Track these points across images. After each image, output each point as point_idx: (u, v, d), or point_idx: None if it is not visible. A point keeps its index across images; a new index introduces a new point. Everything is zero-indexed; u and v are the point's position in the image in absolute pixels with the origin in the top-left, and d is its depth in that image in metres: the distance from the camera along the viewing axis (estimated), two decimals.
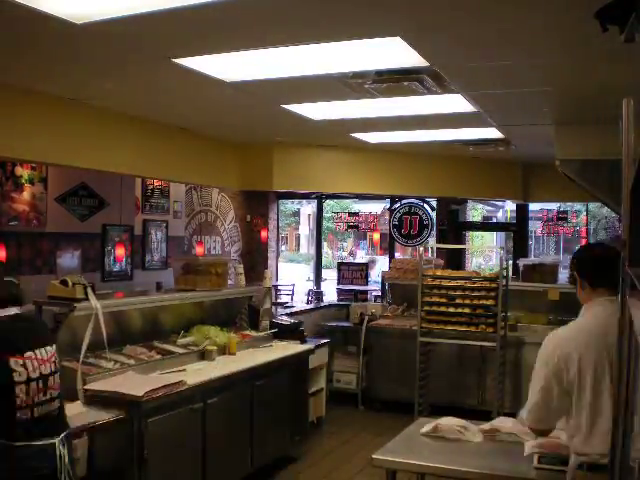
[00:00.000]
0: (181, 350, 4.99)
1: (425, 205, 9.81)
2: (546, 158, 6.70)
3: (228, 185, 8.60)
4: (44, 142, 5.21)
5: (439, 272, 6.74)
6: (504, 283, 6.33)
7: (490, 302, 6.20)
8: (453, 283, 6.46)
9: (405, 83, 4.46)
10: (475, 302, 6.25)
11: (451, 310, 6.38)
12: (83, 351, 4.08)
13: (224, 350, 5.32)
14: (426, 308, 6.47)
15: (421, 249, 7.12)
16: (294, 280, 13.48)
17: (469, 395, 7.08)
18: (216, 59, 4.11)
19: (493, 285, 6.25)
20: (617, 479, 1.76)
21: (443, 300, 6.44)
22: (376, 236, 21.69)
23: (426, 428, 3.45)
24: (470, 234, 13.97)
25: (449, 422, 3.48)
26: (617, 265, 1.85)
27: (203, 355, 5.09)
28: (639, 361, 1.68)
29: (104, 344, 4.35)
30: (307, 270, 19.35)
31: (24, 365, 2.72)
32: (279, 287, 11.42)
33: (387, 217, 10.67)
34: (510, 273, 6.87)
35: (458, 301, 6.36)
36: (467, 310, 6.28)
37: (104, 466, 3.89)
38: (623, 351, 1.70)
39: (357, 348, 7.57)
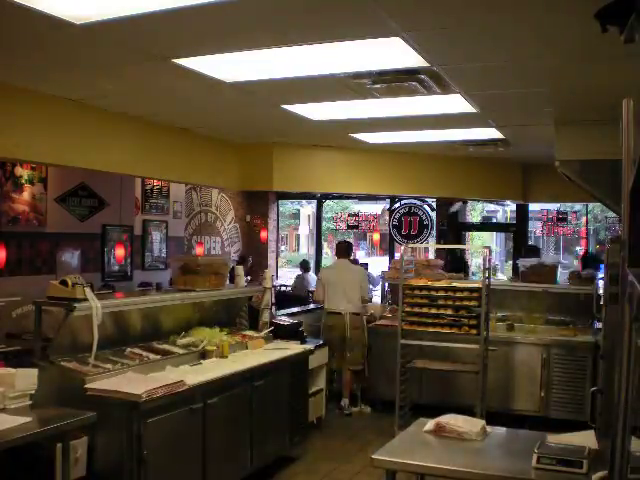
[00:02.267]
0: (180, 350, 4.99)
1: (425, 205, 9.81)
2: (546, 159, 6.70)
3: (228, 185, 8.60)
4: (44, 142, 5.21)
5: (421, 282, 6.47)
6: (486, 292, 5.98)
7: (473, 303, 5.97)
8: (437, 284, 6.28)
9: (405, 83, 4.47)
10: (458, 303, 6.03)
11: (433, 311, 6.17)
12: (94, 350, 4.10)
13: (222, 351, 5.31)
14: (407, 309, 6.29)
15: (402, 248, 6.85)
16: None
17: (461, 395, 7.05)
18: (216, 59, 4.11)
19: (477, 285, 6.04)
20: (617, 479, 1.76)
21: (425, 301, 6.23)
22: (376, 236, 21.67)
23: (428, 426, 3.45)
24: (470, 234, 13.97)
25: (450, 419, 3.47)
26: None
27: (203, 356, 5.08)
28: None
29: (104, 344, 4.35)
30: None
31: None
32: (279, 287, 11.43)
33: (387, 217, 10.68)
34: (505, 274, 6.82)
35: (440, 302, 6.14)
36: (450, 311, 6.07)
37: (104, 466, 3.89)
38: (624, 352, 1.70)
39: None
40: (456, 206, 10.62)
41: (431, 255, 13.25)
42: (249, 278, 7.92)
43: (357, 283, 7.29)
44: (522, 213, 10.51)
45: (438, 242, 10.27)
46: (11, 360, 4.37)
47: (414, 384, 7.04)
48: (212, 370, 4.77)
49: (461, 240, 10.94)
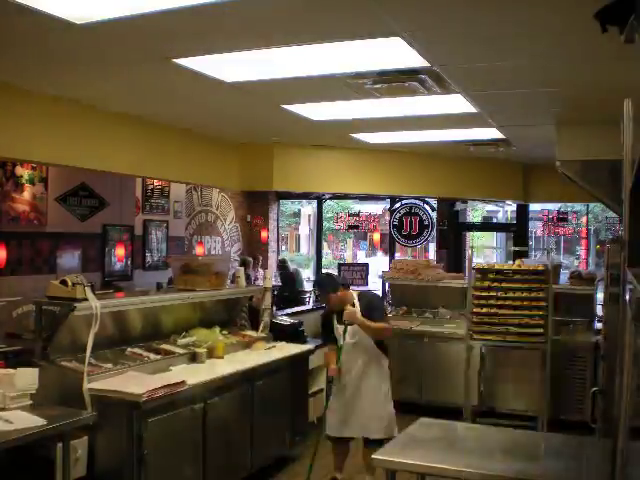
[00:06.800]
0: (181, 350, 4.99)
1: (425, 205, 9.81)
2: (546, 159, 6.70)
3: (228, 185, 8.60)
4: (44, 142, 5.21)
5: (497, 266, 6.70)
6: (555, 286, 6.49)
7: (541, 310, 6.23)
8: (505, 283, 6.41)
9: (405, 83, 4.46)
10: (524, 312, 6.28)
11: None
12: (88, 351, 4.10)
13: (222, 351, 5.31)
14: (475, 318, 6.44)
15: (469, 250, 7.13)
16: None
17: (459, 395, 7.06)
18: (216, 59, 4.11)
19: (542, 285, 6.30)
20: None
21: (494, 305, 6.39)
22: (376, 236, 21.67)
23: None
24: (470, 234, 13.97)
25: None
26: None
27: (204, 356, 5.08)
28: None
29: (104, 344, 4.35)
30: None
31: None
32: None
33: (387, 217, 10.68)
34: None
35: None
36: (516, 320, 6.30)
37: (104, 466, 3.89)
38: (625, 352, 1.69)
39: None
40: (460, 205, 10.62)
41: (431, 255, 13.26)
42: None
43: None
44: (523, 213, 10.50)
45: (438, 242, 10.26)
46: (11, 360, 4.36)
47: (414, 384, 7.05)
48: (212, 370, 4.77)
49: (461, 240, 10.93)
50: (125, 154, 6.09)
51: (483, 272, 6.58)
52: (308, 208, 24.51)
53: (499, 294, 6.38)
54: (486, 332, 6.41)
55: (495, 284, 6.44)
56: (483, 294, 6.46)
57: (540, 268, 6.42)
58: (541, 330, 6.21)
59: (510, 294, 6.34)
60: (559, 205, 11.53)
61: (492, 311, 6.38)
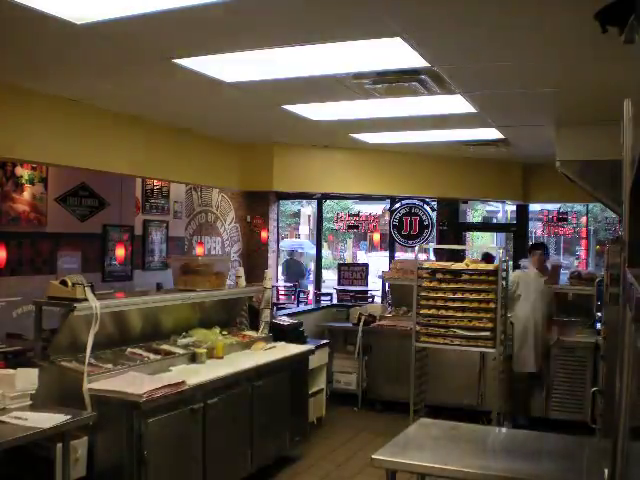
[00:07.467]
0: (181, 351, 4.99)
1: (425, 206, 9.81)
2: (546, 159, 6.70)
3: (228, 185, 8.60)
4: (44, 142, 5.21)
5: (436, 265, 6.46)
6: (503, 284, 6.09)
7: (491, 305, 5.94)
8: (452, 285, 6.17)
9: (405, 84, 4.46)
10: (473, 314, 6.03)
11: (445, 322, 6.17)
12: (88, 351, 4.10)
13: (222, 351, 5.31)
14: (423, 315, 6.25)
15: (416, 248, 6.70)
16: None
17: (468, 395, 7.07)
18: (216, 59, 4.11)
19: (492, 286, 6.00)
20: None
21: (440, 306, 6.20)
22: (376, 237, 21.68)
23: None
24: (470, 235, 13.95)
25: None
26: None
27: (204, 356, 5.08)
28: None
29: (104, 344, 4.35)
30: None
31: None
32: (279, 287, 11.42)
33: (387, 217, 10.67)
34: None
35: (454, 313, 6.12)
36: (464, 322, 6.07)
37: (104, 466, 3.89)
38: (625, 352, 1.69)
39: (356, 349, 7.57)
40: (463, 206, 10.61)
41: (431, 256, 13.23)
42: None
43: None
44: (522, 213, 10.49)
45: (438, 242, 10.25)
46: (11, 360, 4.36)
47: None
48: (212, 370, 4.77)
49: (461, 240, 10.92)
50: (125, 154, 6.09)
51: (431, 272, 6.29)
52: (308, 208, 24.52)
53: (447, 294, 6.13)
54: (432, 334, 6.21)
55: (443, 284, 6.18)
56: (431, 294, 6.21)
57: (490, 268, 6.15)
58: (488, 333, 5.95)
59: (459, 295, 6.08)
60: (559, 205, 11.52)
61: (439, 312, 6.17)
